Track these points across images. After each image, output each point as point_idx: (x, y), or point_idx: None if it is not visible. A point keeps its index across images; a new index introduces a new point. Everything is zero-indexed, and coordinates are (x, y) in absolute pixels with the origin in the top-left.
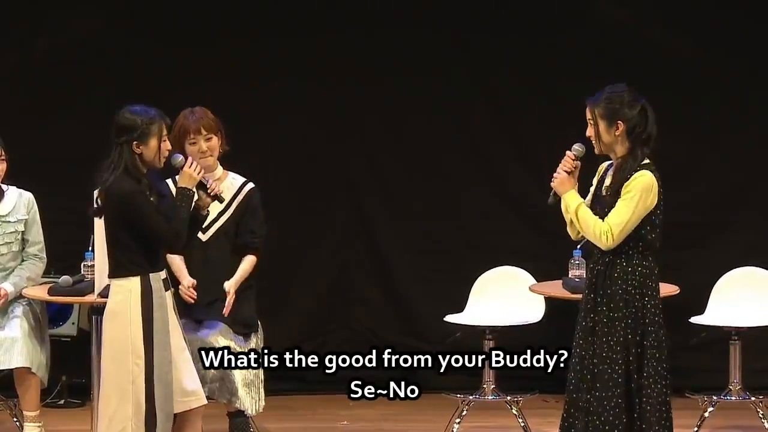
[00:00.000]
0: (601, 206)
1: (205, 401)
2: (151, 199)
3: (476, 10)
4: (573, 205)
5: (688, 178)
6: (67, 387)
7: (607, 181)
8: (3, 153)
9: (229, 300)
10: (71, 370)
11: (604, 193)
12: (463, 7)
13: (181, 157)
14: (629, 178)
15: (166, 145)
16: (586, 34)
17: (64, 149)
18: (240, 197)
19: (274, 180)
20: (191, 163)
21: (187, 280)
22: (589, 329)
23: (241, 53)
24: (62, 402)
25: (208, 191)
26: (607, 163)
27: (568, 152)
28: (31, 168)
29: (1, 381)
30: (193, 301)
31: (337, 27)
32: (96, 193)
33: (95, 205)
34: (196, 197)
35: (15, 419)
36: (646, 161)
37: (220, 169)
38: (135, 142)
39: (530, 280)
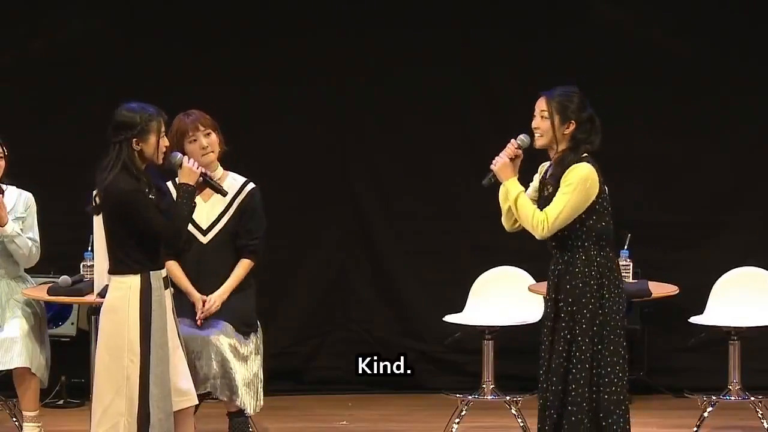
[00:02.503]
0: (544, 203)
1: (197, 401)
2: (151, 196)
3: (475, 10)
4: (514, 192)
5: (687, 178)
6: (66, 387)
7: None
8: (1, 150)
9: (208, 309)
10: (70, 370)
11: (545, 193)
12: (463, 7)
13: (179, 155)
14: (566, 170)
15: (165, 141)
16: (585, 34)
17: (64, 149)
18: (241, 197)
19: (273, 180)
20: (189, 159)
21: (198, 300)
22: (555, 329)
23: (240, 54)
24: (61, 402)
25: (211, 184)
26: (547, 163)
27: (512, 140)
28: (30, 168)
29: (0, 381)
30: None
31: (336, 27)
32: (94, 192)
33: (93, 203)
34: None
35: (14, 419)
36: (584, 155)
37: (220, 169)
38: (134, 139)
39: (529, 280)
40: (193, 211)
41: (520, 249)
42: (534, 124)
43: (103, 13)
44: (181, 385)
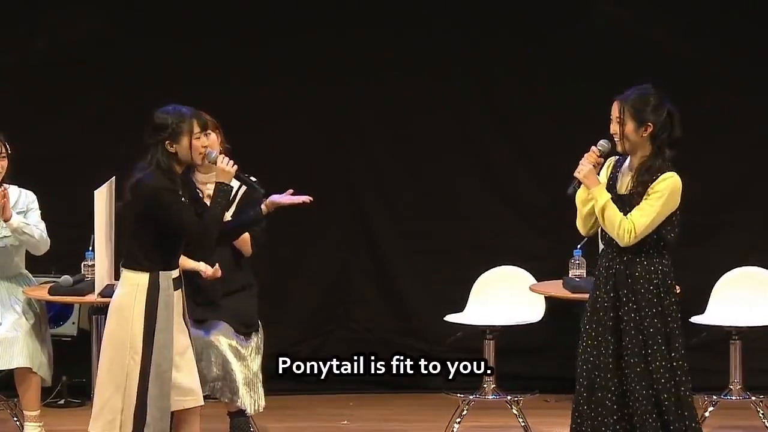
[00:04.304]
0: (622, 204)
1: (203, 401)
2: (183, 199)
3: (476, 9)
4: (602, 200)
5: (688, 177)
6: (67, 387)
7: (624, 180)
8: (4, 150)
9: None
10: (71, 370)
11: (624, 191)
12: (463, 6)
13: (215, 153)
14: (656, 178)
15: (201, 142)
16: (586, 34)
17: (65, 149)
18: (241, 192)
19: (273, 180)
20: (224, 158)
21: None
22: (610, 327)
23: (240, 53)
24: (62, 402)
25: (247, 182)
26: (614, 158)
27: (593, 147)
28: (31, 168)
29: (1, 380)
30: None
31: (336, 27)
32: (96, 193)
33: (124, 200)
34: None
35: (15, 419)
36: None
37: None
38: (167, 142)
39: (531, 279)
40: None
41: (522, 249)
42: (611, 129)
43: (103, 13)
44: (188, 385)
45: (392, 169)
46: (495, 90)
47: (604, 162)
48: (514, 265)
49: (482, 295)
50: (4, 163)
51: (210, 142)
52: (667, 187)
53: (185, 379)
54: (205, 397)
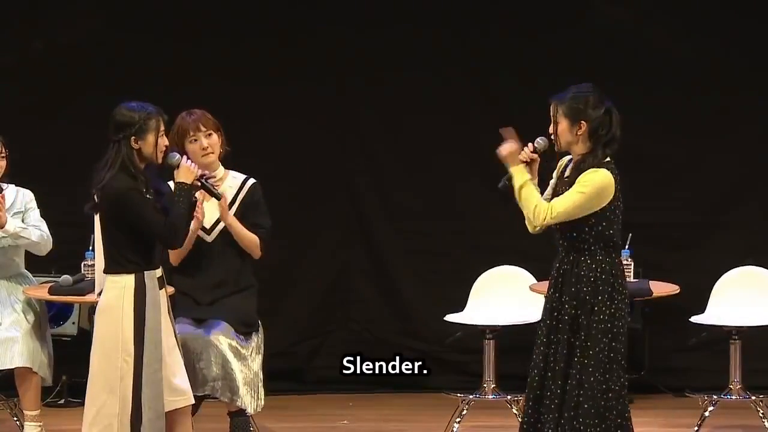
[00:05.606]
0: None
1: (193, 401)
2: (148, 196)
3: (475, 9)
4: (520, 180)
5: (688, 178)
6: (67, 386)
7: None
8: (3, 150)
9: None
10: (71, 370)
11: (560, 190)
12: (462, 6)
13: (177, 156)
14: (584, 173)
15: (164, 141)
16: (586, 34)
17: (65, 148)
18: (242, 194)
19: (273, 180)
20: (188, 159)
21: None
22: (553, 327)
23: (240, 53)
24: (62, 401)
25: (207, 186)
26: (567, 158)
27: (529, 143)
28: (31, 168)
29: (1, 380)
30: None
31: (335, 27)
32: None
33: (92, 202)
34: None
35: (15, 419)
36: (607, 160)
37: (221, 169)
38: (133, 138)
39: (530, 279)
40: (193, 209)
41: (521, 249)
42: (549, 130)
43: (103, 13)
44: (177, 385)
45: (392, 169)
46: (494, 90)
47: (539, 160)
48: (513, 264)
49: (482, 295)
50: (3, 163)
51: (211, 143)
52: (592, 180)
53: (175, 378)
54: (205, 397)
